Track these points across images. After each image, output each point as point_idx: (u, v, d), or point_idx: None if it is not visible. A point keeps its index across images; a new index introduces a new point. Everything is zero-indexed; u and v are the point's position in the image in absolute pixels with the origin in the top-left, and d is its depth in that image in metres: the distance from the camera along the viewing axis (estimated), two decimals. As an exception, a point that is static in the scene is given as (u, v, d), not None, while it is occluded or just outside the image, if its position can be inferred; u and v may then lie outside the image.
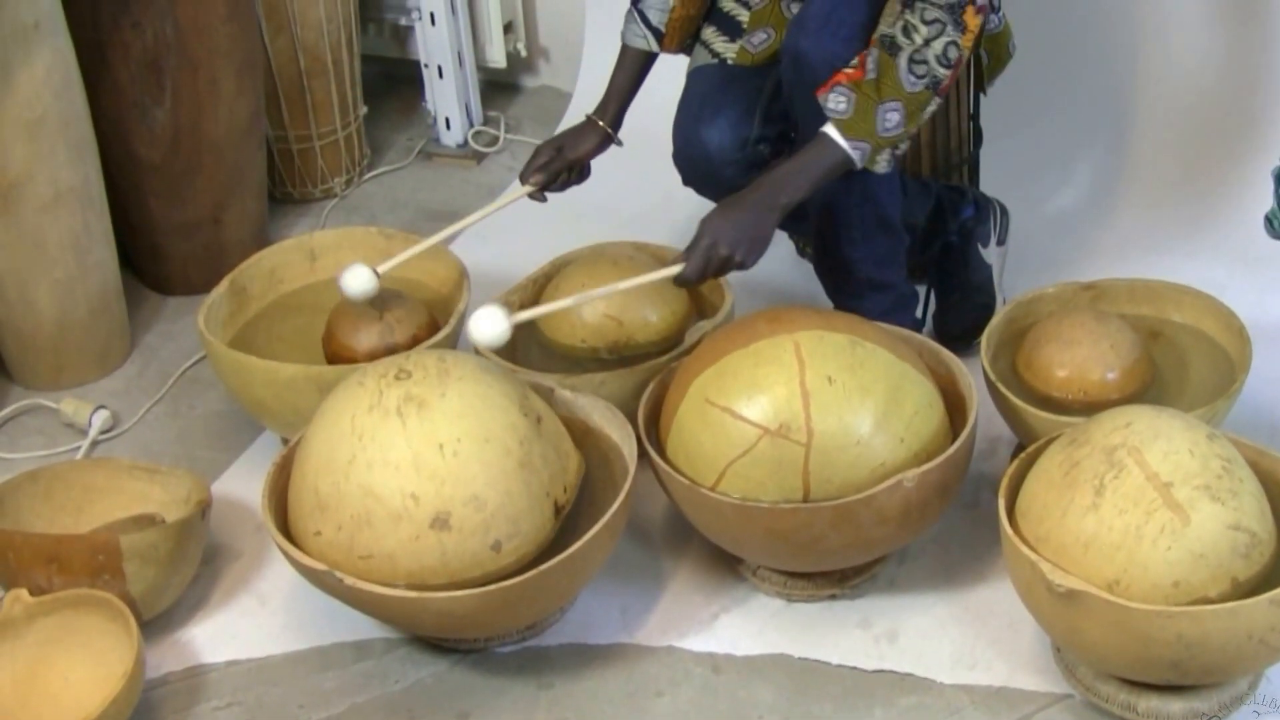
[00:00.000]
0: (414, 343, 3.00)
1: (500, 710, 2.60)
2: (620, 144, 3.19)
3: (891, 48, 2.77)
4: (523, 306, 3.16)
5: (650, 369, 2.89)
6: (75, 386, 3.39)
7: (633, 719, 2.57)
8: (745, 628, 2.71)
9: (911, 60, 2.76)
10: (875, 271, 3.08)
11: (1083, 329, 2.84)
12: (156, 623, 2.76)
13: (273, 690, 2.67)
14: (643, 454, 2.67)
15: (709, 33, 3.13)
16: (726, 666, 2.64)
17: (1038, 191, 3.67)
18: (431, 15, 4.13)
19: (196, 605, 2.83)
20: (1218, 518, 2.30)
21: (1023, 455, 2.56)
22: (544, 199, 3.18)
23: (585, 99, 4.21)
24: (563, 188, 3.19)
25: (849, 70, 2.77)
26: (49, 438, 3.27)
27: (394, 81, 4.48)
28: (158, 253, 3.66)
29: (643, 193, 3.40)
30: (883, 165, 2.81)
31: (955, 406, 2.72)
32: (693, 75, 3.13)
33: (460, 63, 4.21)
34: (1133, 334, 2.86)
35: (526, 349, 3.08)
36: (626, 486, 2.58)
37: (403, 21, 4.27)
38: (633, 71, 3.17)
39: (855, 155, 2.78)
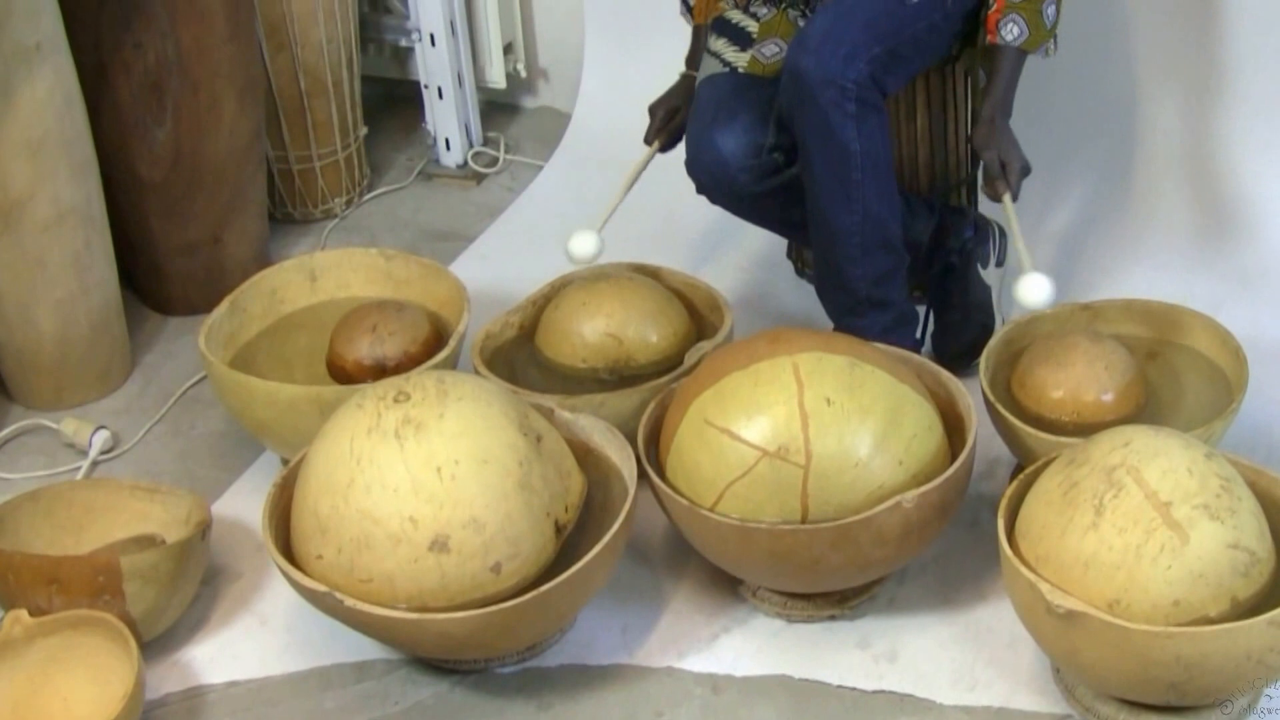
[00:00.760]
0: (404, 357, 3.02)
1: (500, 730, 2.60)
2: None
3: None
4: (522, 327, 3.17)
5: (650, 389, 2.89)
6: (76, 406, 3.38)
7: (633, 739, 2.58)
8: (745, 648, 2.70)
9: None
10: (876, 290, 3.08)
11: (1077, 350, 2.85)
12: (157, 643, 2.75)
13: (273, 711, 2.67)
14: (642, 475, 2.66)
15: (719, 44, 3.15)
16: (726, 687, 2.64)
17: (1035, 212, 3.67)
18: (431, 36, 4.13)
19: (197, 626, 2.82)
20: (1217, 537, 2.30)
21: (1022, 475, 2.56)
22: (672, 148, 3.30)
23: (585, 119, 4.23)
24: (678, 141, 3.30)
25: (995, 4, 3.01)
26: (49, 457, 3.27)
27: (394, 102, 4.47)
28: (159, 272, 3.66)
29: (644, 215, 3.40)
30: (1055, 49, 3.07)
31: (954, 427, 2.72)
32: (704, 85, 3.15)
33: (460, 83, 4.22)
34: (1127, 354, 2.86)
35: (526, 369, 3.08)
36: (626, 507, 2.58)
37: (403, 42, 4.26)
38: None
39: (1040, 55, 3.06)
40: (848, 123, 2.89)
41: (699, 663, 2.68)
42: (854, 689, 2.62)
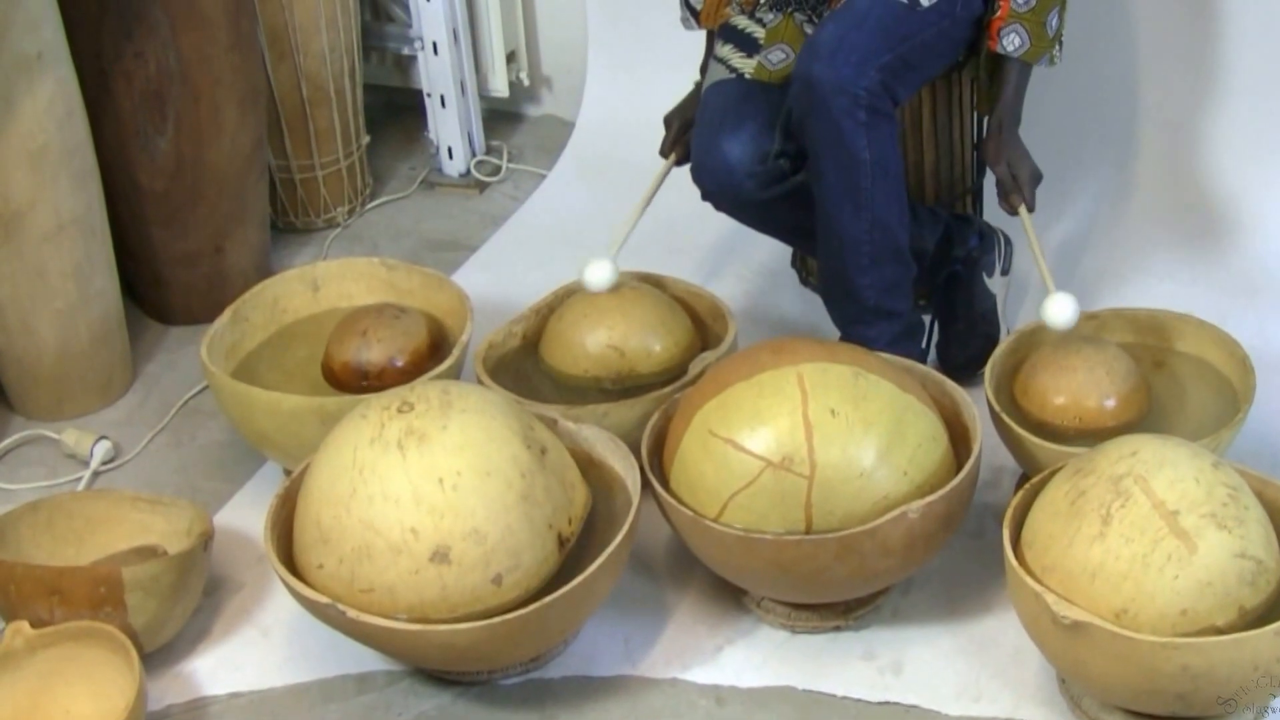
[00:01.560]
0: (387, 364, 3.03)
1: (504, 743, 2.60)
2: None
3: None
4: (525, 337, 3.17)
5: (654, 400, 2.88)
6: (77, 417, 3.37)
7: (636, 751, 2.57)
8: (749, 659, 2.70)
9: None
10: (884, 300, 3.07)
11: (1079, 356, 2.84)
12: (158, 655, 2.74)
13: (275, 723, 2.67)
14: (646, 485, 2.66)
15: (725, 50, 3.15)
16: (731, 698, 2.63)
17: (1040, 221, 3.65)
18: (434, 44, 4.13)
19: (198, 637, 2.81)
20: (1224, 546, 2.30)
21: (1027, 485, 2.55)
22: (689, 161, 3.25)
23: (588, 128, 4.23)
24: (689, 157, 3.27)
25: (999, 9, 3.01)
26: (50, 468, 3.26)
27: (396, 110, 4.47)
28: (160, 282, 3.65)
29: (648, 224, 3.39)
30: (1059, 57, 3.06)
31: (959, 437, 2.71)
32: (710, 91, 3.14)
33: (463, 92, 4.21)
34: (1130, 361, 2.86)
35: (529, 379, 3.08)
36: (630, 518, 2.57)
37: (405, 51, 4.26)
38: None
39: (1043, 64, 3.06)
40: (859, 131, 2.88)
41: (703, 674, 2.68)
42: (859, 700, 2.61)
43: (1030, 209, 3.06)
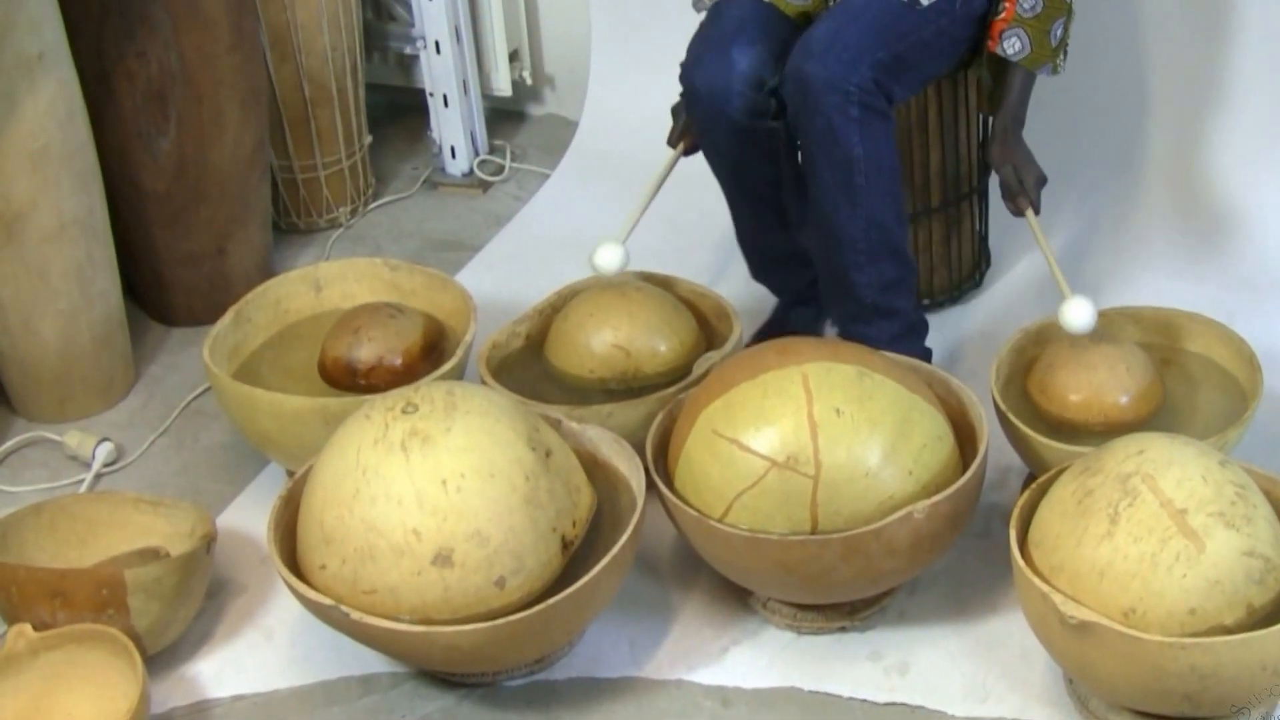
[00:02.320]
0: (377, 362, 3.03)
1: (508, 745, 2.59)
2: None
3: None
4: (529, 337, 3.16)
5: (658, 400, 2.88)
6: (79, 418, 3.37)
7: (642, 753, 2.57)
8: (755, 660, 2.69)
9: None
10: (882, 297, 3.06)
11: (1098, 353, 2.83)
12: (161, 657, 2.74)
13: (278, 725, 2.67)
14: (651, 486, 2.65)
15: None
16: (736, 700, 2.62)
17: (1048, 220, 3.65)
18: (436, 44, 4.12)
19: (201, 640, 2.81)
20: (1232, 544, 2.30)
21: (1034, 485, 2.55)
22: (697, 150, 3.24)
23: (591, 127, 4.22)
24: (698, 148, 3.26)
25: (1003, 11, 3.01)
26: (52, 470, 3.26)
27: (399, 110, 4.47)
28: (162, 283, 3.65)
29: (653, 223, 3.39)
30: (1063, 66, 3.08)
31: (965, 436, 2.70)
32: (723, 2, 3.12)
33: (465, 91, 4.20)
34: (1145, 357, 2.85)
35: (533, 379, 3.07)
36: (635, 519, 2.57)
37: (408, 50, 4.26)
38: None
39: (1045, 73, 3.07)
40: (851, 127, 2.87)
41: (709, 675, 2.67)
42: (865, 701, 2.60)
43: (1036, 211, 3.07)
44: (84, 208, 3.23)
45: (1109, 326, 2.99)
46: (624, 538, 2.53)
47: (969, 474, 2.57)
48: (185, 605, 2.71)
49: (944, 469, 2.59)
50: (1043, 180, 3.08)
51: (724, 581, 2.75)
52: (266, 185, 3.74)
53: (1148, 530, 2.31)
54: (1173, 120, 3.64)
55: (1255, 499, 2.36)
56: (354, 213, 4.11)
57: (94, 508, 2.89)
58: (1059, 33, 3.01)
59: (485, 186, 4.21)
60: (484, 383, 2.97)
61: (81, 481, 3.20)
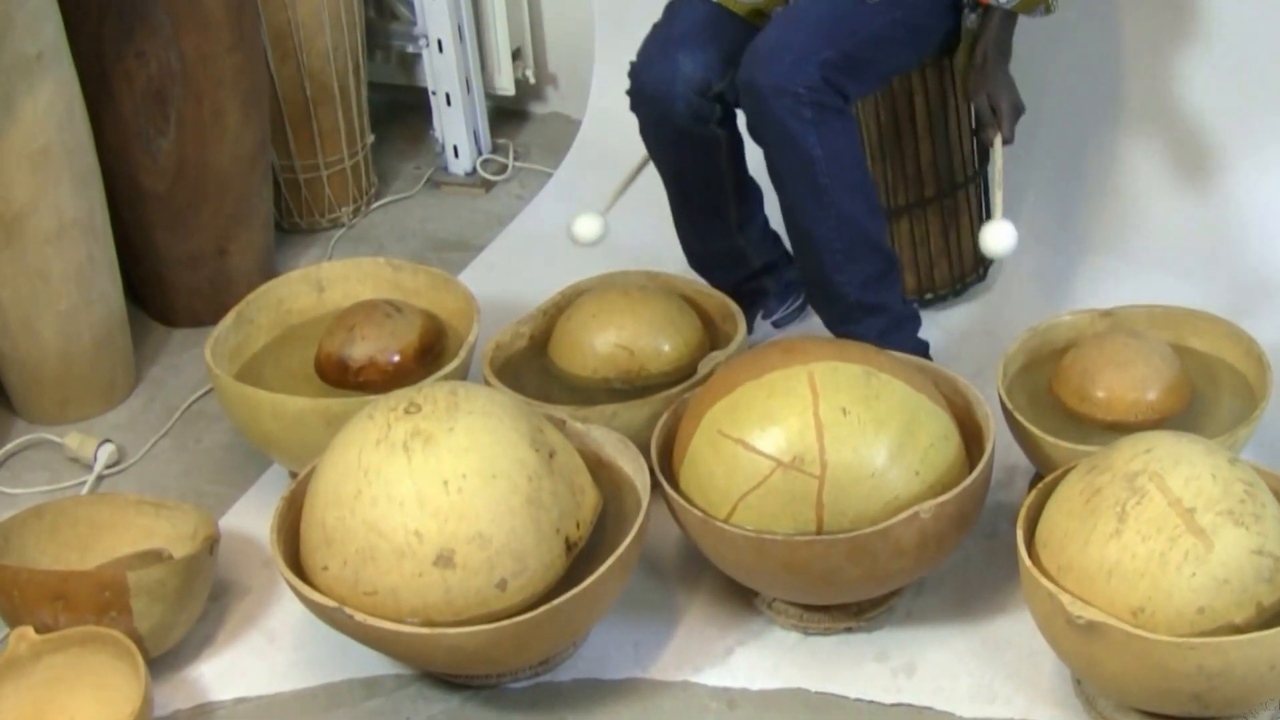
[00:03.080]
0: (368, 362, 3.02)
1: (512, 747, 2.59)
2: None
3: None
4: (533, 337, 3.15)
5: (663, 400, 2.87)
6: (80, 420, 3.36)
7: (647, 755, 2.56)
8: (761, 662, 2.68)
9: None
10: (866, 294, 3.05)
11: (1131, 349, 2.83)
12: (164, 660, 2.73)
13: (282, 728, 2.66)
14: (655, 486, 2.64)
15: None
16: (742, 701, 2.62)
17: (1054, 217, 3.65)
18: (439, 42, 4.12)
19: (204, 642, 2.80)
20: (1241, 542, 2.29)
21: (1041, 484, 2.54)
22: None
23: (595, 126, 4.21)
24: None
25: None
26: (54, 473, 3.25)
27: (401, 109, 4.46)
28: (163, 284, 3.64)
29: (654, 223, 3.39)
30: (1055, 4, 3.00)
31: (972, 436, 2.70)
32: (678, 2, 3.14)
33: (468, 90, 4.20)
34: (1173, 353, 2.86)
35: (537, 380, 3.07)
36: (640, 520, 2.56)
37: (410, 49, 4.25)
38: None
39: (1038, 14, 3.02)
40: (807, 129, 2.87)
41: (714, 677, 2.66)
42: (872, 702, 2.60)
43: (1007, 141, 3.07)
44: (84, 208, 3.22)
45: (1118, 324, 2.98)
46: (629, 538, 2.52)
47: (975, 473, 2.57)
48: (188, 608, 2.71)
49: (950, 469, 2.58)
50: (1019, 110, 3.08)
51: (729, 582, 2.75)
52: (268, 185, 3.73)
53: (1156, 529, 2.30)
54: (1186, 118, 3.63)
55: (1264, 497, 2.36)
56: (356, 212, 4.11)
57: (96, 510, 2.88)
58: None
59: (488, 186, 4.20)
60: (488, 383, 2.96)
61: (83, 484, 3.19)
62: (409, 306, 3.14)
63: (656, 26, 3.12)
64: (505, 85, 4.31)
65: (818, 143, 2.88)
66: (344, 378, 3.03)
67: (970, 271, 3.52)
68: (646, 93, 3.08)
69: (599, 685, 2.66)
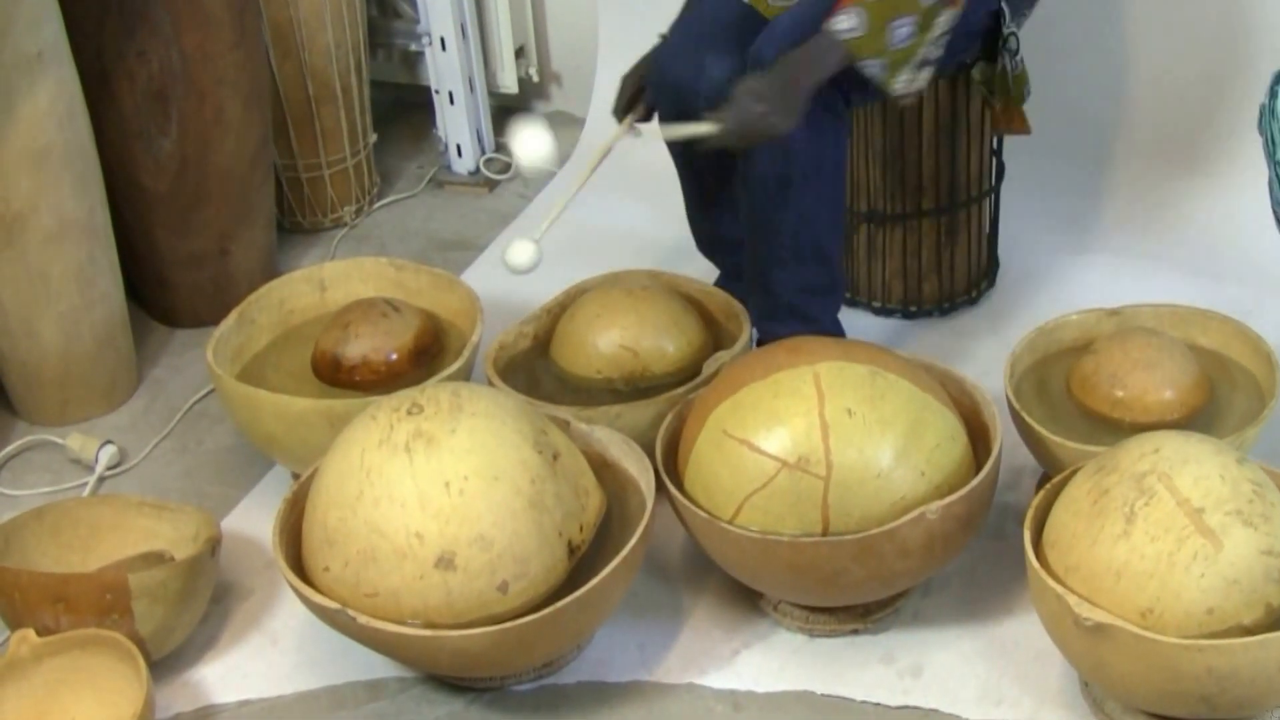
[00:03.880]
0: (361, 362, 3.03)
1: (517, 750, 2.58)
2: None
3: None
4: (536, 338, 3.15)
5: (667, 400, 2.87)
6: (81, 421, 3.36)
7: (653, 758, 2.56)
8: (766, 664, 2.67)
9: None
10: (800, 300, 3.05)
11: (1153, 349, 2.81)
12: (166, 663, 2.73)
13: (284, 731, 2.66)
14: (660, 487, 2.63)
15: None
16: (748, 704, 2.61)
17: (1060, 216, 3.64)
18: (442, 40, 4.11)
19: (206, 644, 2.80)
20: (1251, 543, 2.28)
21: (1049, 485, 2.53)
22: (639, 133, 3.13)
23: (598, 124, 4.20)
24: (649, 116, 3.17)
25: None
26: (55, 474, 3.24)
27: (404, 108, 4.46)
28: (164, 285, 3.64)
29: (658, 222, 3.38)
30: (901, 84, 2.80)
31: (978, 436, 2.69)
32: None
33: (471, 88, 4.20)
34: (1190, 351, 2.85)
35: (541, 380, 3.06)
36: (644, 521, 2.55)
37: (413, 47, 4.25)
38: None
39: (873, 71, 2.78)
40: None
41: (719, 679, 2.65)
42: (878, 705, 2.59)
43: (726, 137, 2.79)
44: (85, 209, 3.22)
45: (1125, 322, 2.97)
46: (633, 540, 2.51)
47: (982, 474, 2.56)
48: (190, 610, 2.70)
49: (957, 469, 2.57)
50: (770, 127, 2.77)
51: (735, 584, 2.74)
52: (270, 184, 3.73)
53: (1164, 529, 2.29)
54: (1193, 116, 3.62)
55: (1273, 497, 2.35)
56: (359, 212, 4.10)
57: (97, 511, 2.88)
58: (902, 33, 2.77)
59: (491, 185, 4.20)
60: (491, 384, 2.95)
61: (84, 485, 3.19)
62: (407, 306, 3.13)
63: (683, 13, 3.10)
64: (508, 83, 4.31)
65: (802, 137, 2.84)
66: (338, 376, 3.04)
67: (962, 293, 3.50)
68: (669, 82, 3.07)
69: (604, 688, 2.65)
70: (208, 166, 3.49)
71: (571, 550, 2.52)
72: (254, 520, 3.03)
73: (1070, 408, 2.84)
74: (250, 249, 3.66)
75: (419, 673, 2.69)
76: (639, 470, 2.68)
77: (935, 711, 2.56)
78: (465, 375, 3.00)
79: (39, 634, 2.57)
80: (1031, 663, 2.62)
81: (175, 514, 2.87)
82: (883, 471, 2.50)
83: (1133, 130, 3.69)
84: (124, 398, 3.44)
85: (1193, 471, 2.32)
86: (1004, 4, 3.03)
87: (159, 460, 3.27)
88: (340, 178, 4.04)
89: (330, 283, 3.28)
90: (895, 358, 2.65)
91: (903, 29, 2.76)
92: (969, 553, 2.77)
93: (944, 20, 2.79)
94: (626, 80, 3.19)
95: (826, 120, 2.86)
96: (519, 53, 4.32)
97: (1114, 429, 2.76)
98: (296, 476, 2.87)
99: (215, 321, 3.14)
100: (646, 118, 3.16)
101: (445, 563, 2.42)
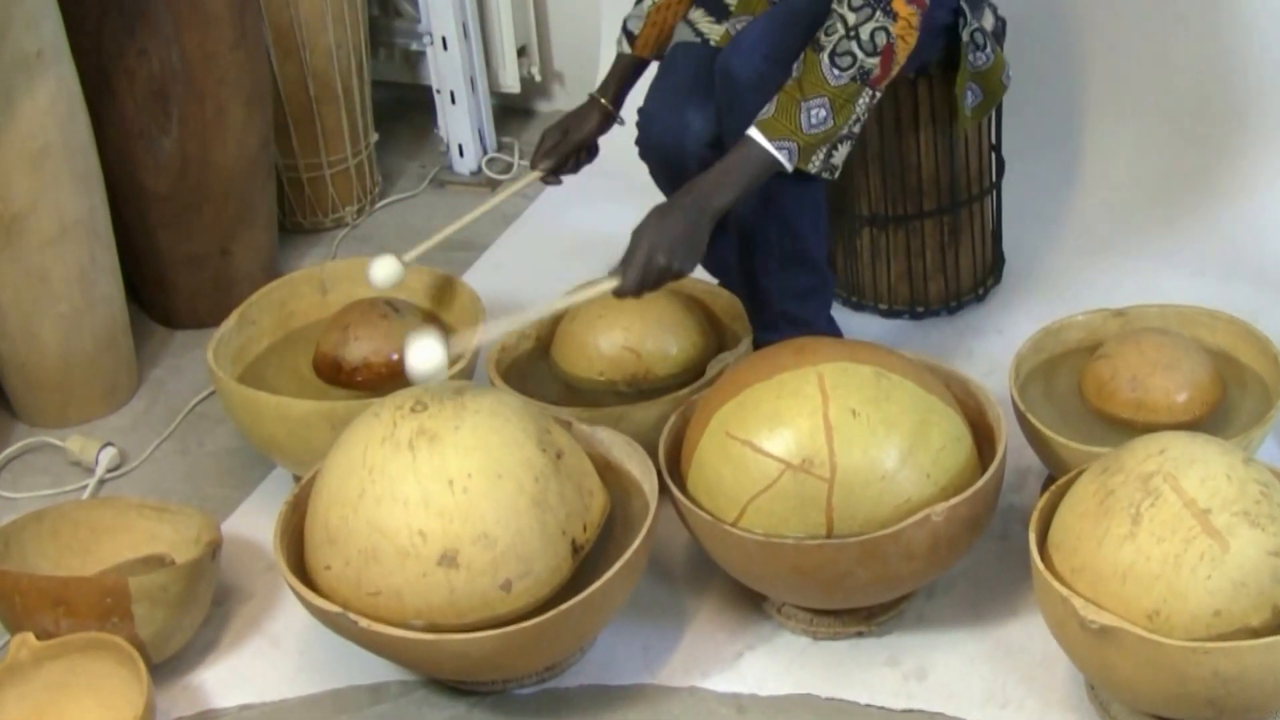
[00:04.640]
0: (361, 363, 3.03)
1: (520, 754, 2.58)
2: (623, 122, 3.22)
3: (816, 46, 2.72)
4: (538, 339, 3.14)
5: (670, 402, 2.86)
6: (81, 423, 3.36)
7: (656, 762, 2.55)
8: (770, 667, 2.66)
9: (834, 54, 2.70)
10: (793, 306, 3.04)
11: (1170, 349, 2.80)
12: (166, 666, 2.72)
13: (286, 734, 2.65)
14: (663, 489, 2.63)
15: (696, 13, 3.12)
16: (752, 707, 2.60)
17: (1065, 217, 3.64)
18: (444, 40, 4.11)
19: (207, 648, 2.79)
20: (1258, 544, 2.27)
21: (1054, 486, 2.52)
22: (559, 181, 3.23)
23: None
24: (575, 169, 3.24)
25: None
26: (55, 476, 3.24)
27: (405, 107, 4.46)
28: (165, 285, 3.64)
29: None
30: (817, 165, 2.77)
31: (984, 437, 2.68)
32: (679, 50, 3.11)
33: (473, 88, 4.20)
34: (1205, 351, 2.85)
35: (543, 382, 3.06)
36: (647, 524, 2.54)
37: (414, 46, 4.25)
38: (630, 59, 3.24)
39: (781, 156, 2.73)
40: None
41: (723, 682, 2.65)
42: (882, 708, 2.58)
43: (623, 294, 2.71)
44: (85, 209, 3.21)
45: (1131, 323, 2.96)
46: (636, 542, 2.50)
47: (987, 476, 2.55)
48: (190, 613, 2.70)
49: (962, 471, 2.56)
50: (674, 275, 2.72)
51: (738, 586, 2.73)
52: (271, 185, 3.73)
53: (1171, 530, 2.28)
54: (1199, 117, 3.62)
55: (1279, 497, 2.33)
56: (360, 212, 4.10)
57: (97, 514, 2.87)
58: (818, 114, 2.71)
59: (493, 184, 4.20)
60: (493, 385, 2.94)
61: (84, 487, 3.19)
62: (408, 306, 3.13)
63: (658, 77, 3.12)
64: (510, 83, 4.31)
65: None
66: (339, 377, 3.03)
67: (968, 292, 3.49)
68: (656, 145, 3.09)
69: (606, 691, 2.65)
70: (208, 166, 3.49)
71: (575, 549, 2.51)
72: (255, 522, 3.02)
73: (1080, 409, 2.83)
74: (251, 249, 3.66)
75: (421, 676, 2.68)
76: (642, 472, 2.67)
77: (940, 715, 2.55)
78: (467, 376, 2.99)
79: (39, 638, 2.57)
80: (1037, 665, 2.61)
81: (176, 516, 2.86)
82: (887, 473, 2.49)
83: (1134, 130, 3.69)
84: (124, 399, 3.44)
85: (1199, 472, 2.31)
86: (963, 2, 3.02)
87: (159, 462, 3.26)
88: (341, 178, 4.03)
89: (331, 283, 3.28)
90: (900, 358, 2.64)
91: (817, 111, 2.72)
92: (974, 555, 2.75)
93: (862, 103, 2.74)
94: (548, 133, 3.25)
95: None
96: (521, 52, 4.32)
97: (1127, 431, 2.74)
98: (297, 478, 2.87)
99: (216, 322, 3.14)
100: (554, 173, 3.23)
101: (448, 561, 2.41)
